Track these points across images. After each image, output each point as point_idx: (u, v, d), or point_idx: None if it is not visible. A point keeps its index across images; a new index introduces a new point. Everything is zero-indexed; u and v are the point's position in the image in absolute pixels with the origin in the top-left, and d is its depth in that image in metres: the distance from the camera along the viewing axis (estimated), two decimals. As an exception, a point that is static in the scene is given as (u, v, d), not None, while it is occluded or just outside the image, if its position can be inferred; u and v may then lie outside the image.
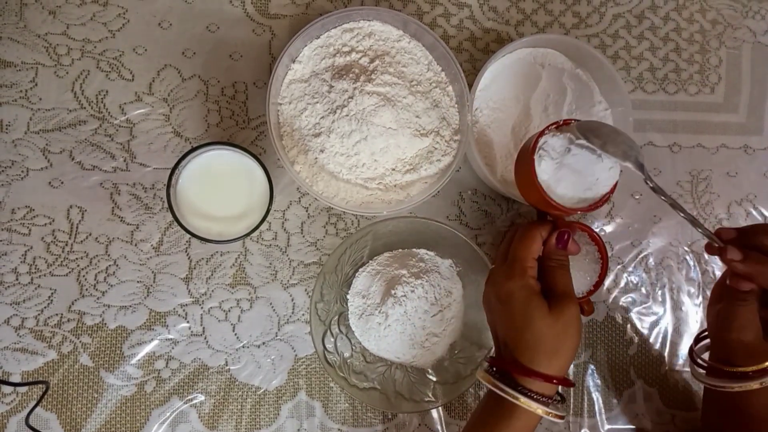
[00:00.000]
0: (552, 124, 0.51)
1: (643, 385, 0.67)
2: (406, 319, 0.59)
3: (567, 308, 0.47)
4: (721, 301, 0.52)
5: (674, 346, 0.68)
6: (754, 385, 0.49)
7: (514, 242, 0.50)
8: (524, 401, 0.45)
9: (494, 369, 0.49)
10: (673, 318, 0.68)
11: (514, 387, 0.46)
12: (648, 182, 0.49)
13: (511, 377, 0.47)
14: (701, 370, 0.54)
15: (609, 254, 0.65)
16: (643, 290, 0.68)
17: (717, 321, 0.52)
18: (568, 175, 0.49)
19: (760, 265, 0.48)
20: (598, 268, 0.62)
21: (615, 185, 0.51)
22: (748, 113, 0.71)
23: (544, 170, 0.49)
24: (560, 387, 0.48)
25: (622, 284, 0.68)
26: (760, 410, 0.51)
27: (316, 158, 0.59)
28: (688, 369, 0.68)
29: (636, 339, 0.68)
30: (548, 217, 0.53)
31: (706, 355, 0.56)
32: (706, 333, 0.56)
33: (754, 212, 0.71)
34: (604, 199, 0.50)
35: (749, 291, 0.50)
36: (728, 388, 0.50)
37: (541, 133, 0.50)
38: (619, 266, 0.68)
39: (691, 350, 0.57)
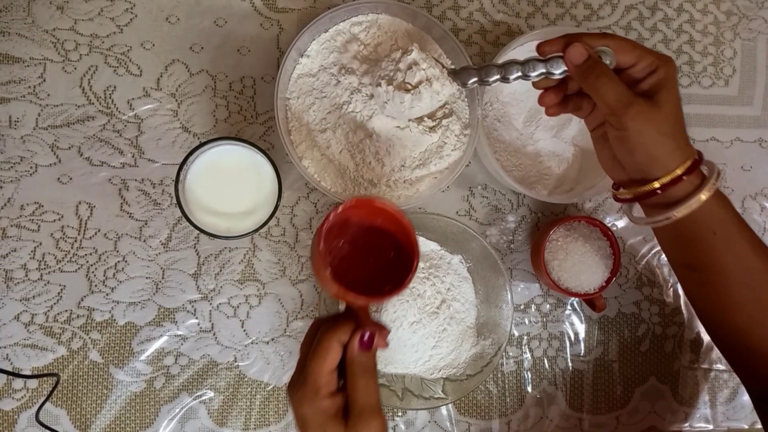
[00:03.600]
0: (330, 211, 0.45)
1: (655, 381, 0.66)
2: (415, 315, 0.58)
3: (365, 426, 0.41)
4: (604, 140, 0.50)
5: (687, 342, 0.67)
6: (685, 209, 0.46)
7: (308, 353, 0.43)
8: None
9: None
10: (686, 314, 0.67)
11: None
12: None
13: None
14: (637, 214, 0.51)
15: (621, 250, 0.64)
16: (656, 286, 0.67)
17: (612, 156, 0.50)
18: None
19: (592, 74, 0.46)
20: (610, 263, 0.61)
21: (417, 259, 0.44)
22: (763, 106, 0.70)
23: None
24: None
25: (634, 280, 0.67)
26: (702, 237, 0.48)
27: (323, 154, 0.58)
28: (703, 366, 0.67)
29: (648, 335, 0.67)
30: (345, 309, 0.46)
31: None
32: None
33: (769, 207, 0.70)
34: (407, 281, 0.44)
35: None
36: (666, 220, 0.47)
37: (325, 220, 0.44)
38: (631, 262, 0.67)
39: (614, 194, 0.53)
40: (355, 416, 0.41)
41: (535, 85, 0.52)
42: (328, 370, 0.42)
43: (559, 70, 0.49)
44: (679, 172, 0.45)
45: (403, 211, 0.46)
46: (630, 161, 0.47)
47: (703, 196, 0.46)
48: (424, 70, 0.53)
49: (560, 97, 0.52)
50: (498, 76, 0.50)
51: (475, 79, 0.51)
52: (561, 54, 0.48)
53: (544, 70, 0.49)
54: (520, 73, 0.50)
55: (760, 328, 0.49)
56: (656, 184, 0.46)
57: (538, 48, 0.49)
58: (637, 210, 0.52)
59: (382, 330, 0.44)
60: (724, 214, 0.48)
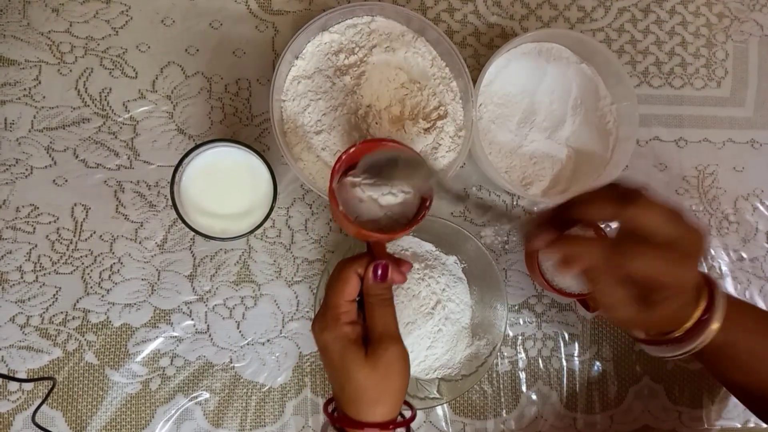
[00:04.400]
0: (344, 153, 0.46)
1: (649, 381, 0.67)
2: (410, 315, 0.59)
3: (385, 351, 0.43)
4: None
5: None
6: (699, 344, 0.47)
7: (327, 285, 0.46)
8: None
9: (335, 426, 0.46)
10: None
11: None
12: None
13: None
14: (653, 346, 0.52)
15: (615, 250, 0.64)
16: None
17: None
18: (367, 198, 0.46)
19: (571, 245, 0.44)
20: (603, 264, 0.61)
21: (430, 199, 0.46)
22: (755, 107, 0.71)
23: (342, 197, 0.46)
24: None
25: (628, 280, 0.68)
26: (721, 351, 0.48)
27: (317, 156, 0.58)
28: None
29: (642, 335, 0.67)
30: (367, 247, 0.48)
31: None
32: None
33: (761, 207, 0.70)
34: (421, 216, 0.46)
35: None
36: (684, 354, 0.48)
37: (338, 161, 0.46)
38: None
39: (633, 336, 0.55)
40: (374, 342, 0.43)
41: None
42: (347, 299, 0.45)
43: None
44: (689, 325, 0.46)
45: (417, 151, 0.47)
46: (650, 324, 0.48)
47: (715, 325, 0.46)
48: None
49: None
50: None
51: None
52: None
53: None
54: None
55: None
56: (677, 333, 0.47)
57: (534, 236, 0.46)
58: None
59: (399, 263, 0.47)
60: (736, 328, 0.47)
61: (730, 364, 0.50)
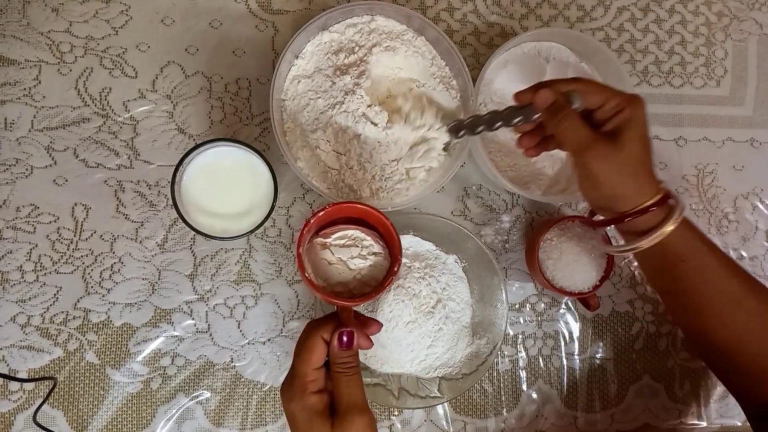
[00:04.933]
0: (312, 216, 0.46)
1: (649, 380, 0.67)
2: (410, 314, 0.59)
3: (350, 425, 0.42)
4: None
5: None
6: (654, 239, 0.49)
7: (295, 351, 0.45)
8: None
9: None
10: (679, 312, 0.68)
11: None
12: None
13: None
14: (613, 245, 0.55)
15: (615, 249, 0.64)
16: (649, 285, 0.68)
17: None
18: (335, 261, 0.46)
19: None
20: (603, 263, 0.61)
21: (399, 263, 0.46)
22: (755, 106, 0.71)
23: (311, 259, 0.46)
24: None
25: (628, 279, 0.68)
26: (672, 252, 0.51)
27: (312, 154, 0.58)
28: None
29: (642, 334, 0.67)
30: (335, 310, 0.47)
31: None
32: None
33: (761, 206, 0.70)
34: (389, 281, 0.46)
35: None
36: (633, 249, 0.51)
37: (306, 224, 0.46)
38: (624, 261, 0.68)
39: (589, 218, 0.58)
40: (341, 414, 0.42)
41: (515, 129, 0.54)
42: (314, 366, 0.43)
43: (533, 116, 0.51)
44: (644, 205, 0.48)
45: (385, 213, 0.47)
46: (595, 196, 0.51)
47: (669, 227, 0.48)
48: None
49: (536, 140, 0.54)
50: (483, 126, 0.54)
51: (463, 131, 0.56)
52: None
53: (521, 117, 0.51)
54: (501, 122, 0.53)
55: (746, 346, 0.50)
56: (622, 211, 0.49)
57: (515, 96, 0.52)
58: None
59: (368, 325, 0.46)
60: (693, 242, 0.50)
61: (686, 292, 0.52)
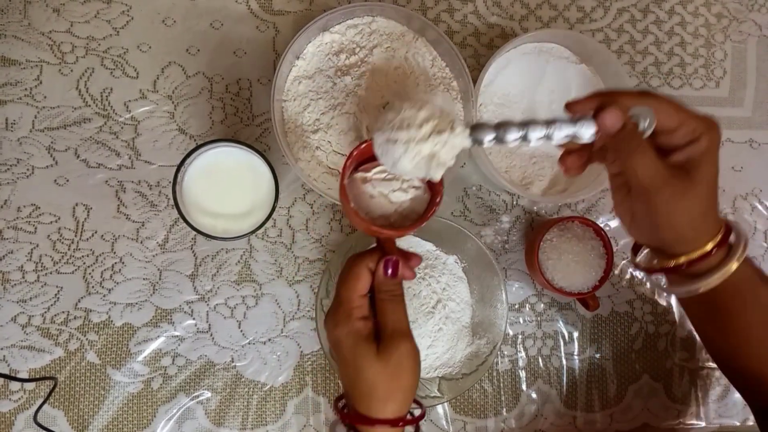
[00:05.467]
0: (356, 149, 0.46)
1: (648, 379, 0.67)
2: (411, 314, 0.59)
3: (396, 348, 0.43)
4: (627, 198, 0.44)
5: (680, 340, 0.68)
6: (713, 281, 0.43)
7: (339, 280, 0.46)
8: None
9: (345, 423, 0.46)
10: (678, 312, 0.68)
11: None
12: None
13: (357, 429, 0.45)
14: (658, 278, 0.49)
15: (614, 249, 0.65)
16: (648, 285, 0.68)
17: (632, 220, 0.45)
18: (377, 193, 0.46)
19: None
20: (603, 263, 0.62)
21: (440, 194, 0.45)
22: (754, 107, 0.71)
23: (353, 193, 0.45)
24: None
25: (627, 279, 0.68)
26: (728, 300, 0.45)
27: (313, 155, 0.59)
28: (695, 364, 0.68)
29: (641, 334, 0.68)
30: (376, 243, 0.48)
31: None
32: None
33: (760, 207, 0.70)
34: (431, 211, 0.45)
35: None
36: (688, 292, 0.45)
37: (350, 156, 0.46)
38: (624, 261, 0.68)
39: (633, 260, 0.50)
40: (386, 339, 0.43)
41: (561, 145, 0.46)
42: (359, 294, 0.45)
43: (588, 134, 0.41)
44: (708, 248, 0.43)
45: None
46: (655, 236, 0.44)
47: (733, 266, 0.43)
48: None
49: (585, 159, 0.45)
50: (519, 135, 0.42)
51: (492, 137, 0.42)
52: (590, 116, 0.42)
53: (571, 133, 0.41)
54: (544, 134, 0.41)
55: None
56: (683, 259, 0.43)
57: (567, 106, 0.43)
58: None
59: (409, 258, 0.47)
60: (752, 281, 0.45)
61: (737, 317, 0.46)
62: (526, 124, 0.41)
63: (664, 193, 0.41)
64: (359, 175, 0.47)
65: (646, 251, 0.49)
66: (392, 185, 0.46)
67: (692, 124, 0.41)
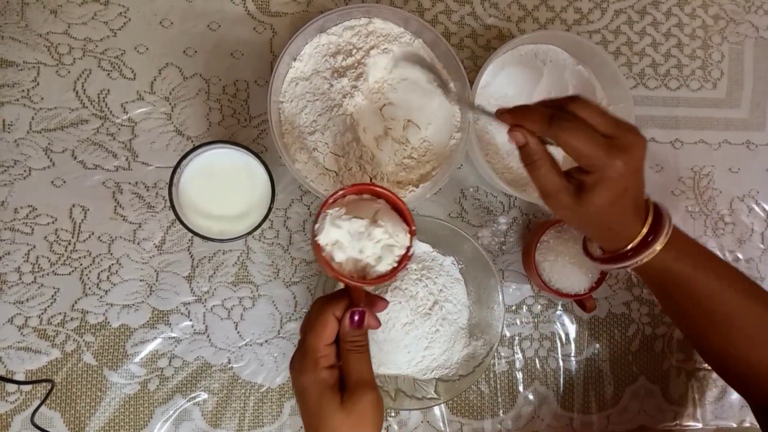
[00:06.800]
0: (331, 196, 0.47)
1: (645, 381, 0.67)
2: (407, 316, 0.59)
3: (360, 399, 0.43)
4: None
5: (676, 342, 0.68)
6: (641, 259, 0.48)
7: (305, 325, 0.46)
8: None
9: None
10: (675, 314, 0.68)
11: None
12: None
13: None
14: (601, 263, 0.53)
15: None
16: (645, 286, 0.68)
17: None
18: (348, 241, 0.46)
19: (525, 110, 0.46)
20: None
21: (408, 253, 0.47)
22: (751, 109, 0.71)
23: (324, 238, 0.45)
24: None
25: (624, 281, 0.68)
26: (671, 294, 0.51)
27: (310, 156, 0.59)
28: (692, 366, 0.68)
29: (638, 335, 0.68)
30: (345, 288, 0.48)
31: None
32: None
33: (757, 208, 0.71)
34: (403, 265, 0.46)
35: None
36: (626, 266, 0.50)
37: (324, 204, 0.46)
38: (621, 263, 0.68)
39: (584, 244, 0.57)
40: (350, 389, 0.43)
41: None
42: (326, 342, 0.44)
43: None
44: (636, 243, 0.48)
45: (400, 197, 0.48)
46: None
47: (657, 247, 0.48)
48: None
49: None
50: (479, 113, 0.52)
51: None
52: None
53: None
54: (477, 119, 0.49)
55: (758, 351, 0.50)
56: (628, 247, 0.49)
57: (497, 113, 0.48)
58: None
59: (375, 304, 0.47)
60: (692, 258, 0.50)
61: (675, 294, 0.51)
62: (483, 111, 0.51)
63: (550, 200, 0.47)
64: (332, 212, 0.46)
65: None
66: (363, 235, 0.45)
67: (585, 160, 0.45)
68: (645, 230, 0.48)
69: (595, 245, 0.55)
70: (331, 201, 0.46)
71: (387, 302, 0.49)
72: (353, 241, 0.45)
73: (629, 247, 0.48)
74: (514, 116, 0.46)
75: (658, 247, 0.47)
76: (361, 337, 0.45)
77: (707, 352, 0.54)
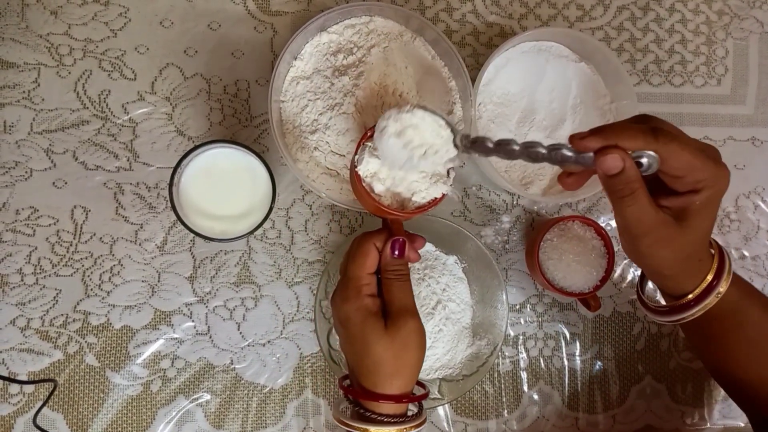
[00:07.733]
0: (370, 129, 0.47)
1: (651, 380, 0.67)
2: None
3: (404, 325, 0.44)
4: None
5: (683, 341, 0.67)
6: (697, 312, 0.46)
7: (348, 258, 0.47)
8: (374, 430, 0.44)
9: (349, 397, 0.47)
10: (681, 313, 0.68)
11: (363, 416, 0.45)
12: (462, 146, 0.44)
13: (361, 405, 0.45)
14: (652, 314, 0.51)
15: (615, 249, 0.64)
16: (650, 285, 0.68)
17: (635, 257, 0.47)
18: (386, 173, 0.46)
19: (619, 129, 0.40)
20: (604, 263, 0.61)
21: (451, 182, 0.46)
22: (756, 105, 0.71)
23: (364, 169, 0.45)
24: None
25: (629, 279, 0.68)
26: (718, 321, 0.48)
27: (311, 155, 0.58)
28: (701, 365, 0.68)
29: (644, 334, 0.67)
30: (385, 224, 0.49)
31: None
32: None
33: (762, 205, 0.70)
34: (439, 199, 0.46)
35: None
36: (677, 321, 0.48)
37: (363, 136, 0.47)
38: (625, 261, 0.68)
39: (638, 291, 0.54)
40: (393, 316, 0.45)
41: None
42: (368, 271, 0.46)
43: (588, 164, 0.40)
44: (704, 286, 0.45)
45: None
46: (646, 272, 0.48)
47: (721, 289, 0.45)
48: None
49: (585, 180, 0.45)
50: (517, 154, 0.42)
51: (489, 154, 0.44)
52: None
53: (572, 163, 0.41)
54: (545, 160, 0.41)
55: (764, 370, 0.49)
56: (690, 297, 0.46)
57: (572, 140, 0.41)
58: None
59: (413, 239, 0.48)
60: (739, 298, 0.47)
61: (714, 323, 0.48)
62: (527, 147, 0.41)
63: (647, 238, 0.42)
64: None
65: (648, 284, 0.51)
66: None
67: (698, 174, 0.40)
68: (710, 276, 0.45)
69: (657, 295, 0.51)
70: (370, 134, 0.46)
71: (424, 239, 0.49)
72: (392, 170, 0.46)
73: (706, 283, 0.45)
74: (605, 135, 0.39)
75: (722, 289, 0.45)
76: (403, 266, 0.46)
77: (741, 378, 0.50)
